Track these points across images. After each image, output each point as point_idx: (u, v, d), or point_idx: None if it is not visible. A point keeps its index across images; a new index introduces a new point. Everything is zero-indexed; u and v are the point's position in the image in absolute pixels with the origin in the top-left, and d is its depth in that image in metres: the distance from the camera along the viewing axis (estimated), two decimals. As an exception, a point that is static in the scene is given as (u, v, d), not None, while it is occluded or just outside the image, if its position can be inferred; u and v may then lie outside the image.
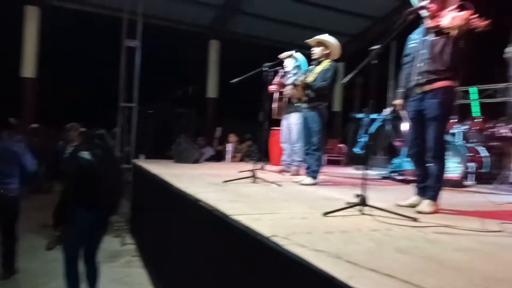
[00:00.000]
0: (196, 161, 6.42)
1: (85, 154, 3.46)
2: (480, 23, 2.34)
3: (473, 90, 7.16)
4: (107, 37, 8.65)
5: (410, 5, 2.84)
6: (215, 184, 3.75)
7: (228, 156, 7.77)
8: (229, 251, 2.22)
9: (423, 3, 2.73)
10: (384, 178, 5.60)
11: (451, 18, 2.43)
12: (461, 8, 2.52)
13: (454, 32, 2.46)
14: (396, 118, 8.34)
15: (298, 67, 5.24)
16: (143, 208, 5.16)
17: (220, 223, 2.30)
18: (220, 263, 2.32)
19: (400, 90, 3.04)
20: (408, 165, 5.33)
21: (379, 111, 7.25)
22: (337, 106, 13.50)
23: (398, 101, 3.07)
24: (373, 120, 7.04)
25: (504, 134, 5.69)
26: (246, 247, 2.00)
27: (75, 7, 9.80)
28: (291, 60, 5.26)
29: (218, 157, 8.05)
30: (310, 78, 4.19)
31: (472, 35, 2.46)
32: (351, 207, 2.53)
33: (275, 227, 1.97)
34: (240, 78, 4.18)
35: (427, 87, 2.74)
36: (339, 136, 11.65)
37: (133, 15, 6.05)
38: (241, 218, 2.13)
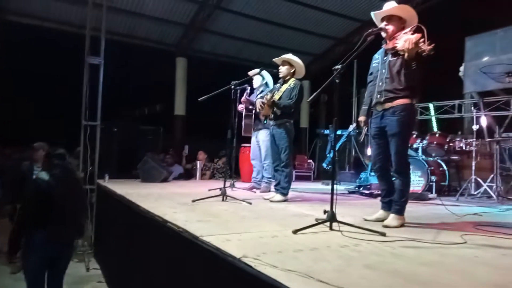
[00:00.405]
0: (164, 180, 6.28)
1: (43, 175, 3.29)
2: (425, 47, 2.48)
3: (431, 107, 7.54)
4: (70, 54, 8.41)
5: (370, 26, 2.97)
6: (183, 203, 3.67)
7: (198, 174, 7.66)
8: (199, 273, 2.16)
9: (381, 25, 2.88)
10: (352, 192, 5.71)
11: (403, 41, 2.56)
12: (416, 30, 2.66)
13: (406, 55, 2.59)
14: (361, 134, 8.61)
15: (265, 84, 5.34)
16: (109, 231, 4.95)
17: (189, 245, 2.24)
18: (190, 286, 2.25)
19: (364, 107, 3.15)
20: (374, 179, 5.48)
21: (345, 127, 7.47)
22: (304, 123, 13.75)
23: (362, 118, 3.18)
24: (339, 136, 7.22)
25: (462, 148, 5.99)
26: (216, 269, 1.95)
27: (34, 22, 9.49)
28: (259, 78, 5.34)
29: (188, 175, 7.92)
30: (277, 96, 4.26)
31: (422, 57, 2.59)
32: (320, 223, 2.54)
33: (246, 248, 1.95)
34: (209, 95, 4.17)
35: (387, 105, 2.85)
36: (307, 151, 11.85)
37: (96, 31, 5.94)
38: (210, 239, 2.09)
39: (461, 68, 7.16)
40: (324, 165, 7.93)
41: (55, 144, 4.69)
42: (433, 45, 2.47)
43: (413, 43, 2.48)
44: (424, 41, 2.49)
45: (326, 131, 9.65)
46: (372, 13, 3.03)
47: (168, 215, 2.86)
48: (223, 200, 3.95)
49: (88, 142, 5.54)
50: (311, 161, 9.22)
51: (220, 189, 4.08)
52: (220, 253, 1.90)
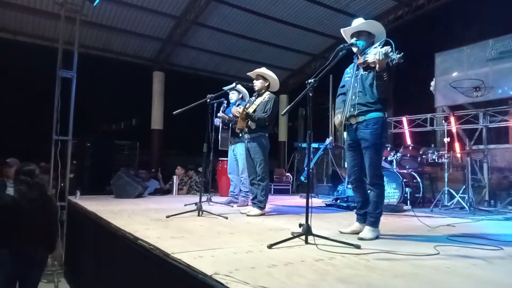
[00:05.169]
0: (139, 195, 6.12)
1: (11, 191, 3.34)
2: (394, 56, 2.55)
3: (404, 120, 7.74)
4: (43, 68, 8.22)
5: (344, 42, 3.03)
6: (157, 220, 3.58)
7: (175, 189, 7.50)
8: (170, 292, 2.08)
9: (352, 41, 2.94)
10: (329, 205, 5.72)
11: (373, 54, 2.63)
12: (385, 44, 2.73)
13: (377, 66, 2.65)
14: (337, 147, 8.73)
15: (241, 98, 5.35)
16: (80, 250, 4.76)
17: (160, 263, 2.17)
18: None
19: (337, 111, 3.13)
20: (351, 191, 5.52)
21: (322, 140, 7.55)
22: (282, 136, 13.85)
23: (337, 121, 3.10)
24: (316, 149, 7.28)
25: (435, 160, 6.13)
26: (188, 287, 1.88)
27: (6, 36, 9.25)
28: (235, 92, 5.35)
29: (164, 190, 7.75)
30: (251, 109, 4.27)
31: (392, 69, 2.67)
32: (295, 237, 2.52)
33: (218, 264, 1.90)
34: (183, 109, 4.12)
35: (360, 118, 2.90)
36: (285, 165, 11.90)
37: (70, 45, 5.83)
38: (182, 256, 2.03)
39: (432, 83, 7.42)
40: (302, 178, 7.96)
41: (27, 159, 4.57)
42: (402, 53, 2.54)
43: (383, 54, 2.55)
44: (393, 51, 2.56)
45: (304, 145, 9.73)
46: (342, 30, 3.10)
47: (140, 232, 2.77)
48: (199, 215, 3.87)
49: (59, 158, 5.35)
50: (289, 174, 9.24)
51: (196, 204, 4.00)
52: (191, 271, 1.83)
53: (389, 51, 2.54)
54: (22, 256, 3.22)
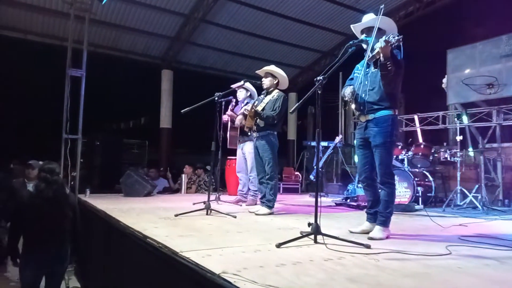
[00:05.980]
0: (148, 194, 6.14)
1: (30, 188, 3.56)
2: (393, 40, 2.50)
3: (416, 118, 7.64)
4: (53, 67, 8.30)
5: (354, 39, 2.98)
6: (166, 218, 3.58)
7: (183, 187, 7.51)
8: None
9: (362, 37, 2.90)
10: (339, 204, 5.67)
11: (378, 46, 2.59)
12: None
13: (381, 56, 2.61)
14: (347, 145, 8.65)
15: (250, 96, 5.33)
16: (90, 248, 4.79)
17: (168, 261, 2.16)
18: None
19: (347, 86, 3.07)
20: (361, 191, 5.46)
21: (331, 139, 7.49)
22: (291, 135, 13.79)
23: (348, 90, 2.98)
24: (326, 147, 7.23)
25: (447, 159, 6.03)
26: (196, 285, 1.87)
27: (16, 35, 9.37)
28: (243, 90, 5.33)
29: (173, 189, 7.78)
30: (259, 107, 4.24)
31: (399, 61, 2.65)
32: (304, 236, 2.49)
33: (226, 263, 1.89)
34: (191, 107, 4.11)
35: (370, 117, 2.86)
36: (295, 163, 11.85)
37: (79, 44, 5.87)
38: (190, 255, 2.02)
39: (444, 80, 7.29)
40: (312, 177, 7.91)
41: (34, 159, 4.67)
42: (400, 36, 2.50)
43: (383, 41, 2.51)
44: (394, 37, 2.51)
45: (313, 143, 9.68)
46: (352, 26, 3.05)
47: (149, 231, 2.77)
48: (207, 214, 3.86)
49: (69, 156, 5.39)
50: (298, 173, 9.19)
51: (204, 202, 3.99)
52: (200, 269, 1.82)
53: (389, 38, 2.49)
54: (41, 253, 3.31)
